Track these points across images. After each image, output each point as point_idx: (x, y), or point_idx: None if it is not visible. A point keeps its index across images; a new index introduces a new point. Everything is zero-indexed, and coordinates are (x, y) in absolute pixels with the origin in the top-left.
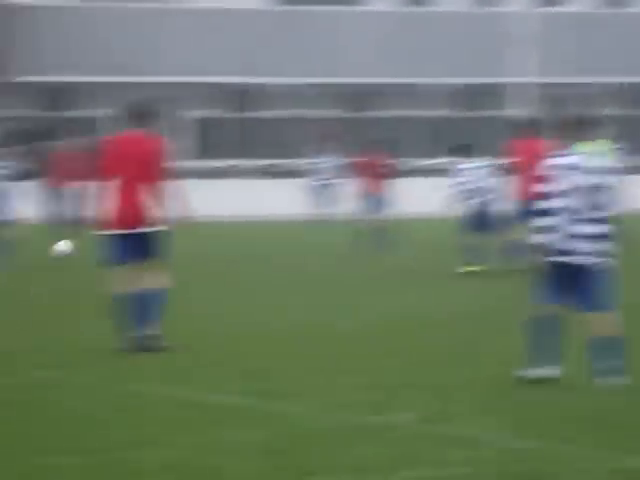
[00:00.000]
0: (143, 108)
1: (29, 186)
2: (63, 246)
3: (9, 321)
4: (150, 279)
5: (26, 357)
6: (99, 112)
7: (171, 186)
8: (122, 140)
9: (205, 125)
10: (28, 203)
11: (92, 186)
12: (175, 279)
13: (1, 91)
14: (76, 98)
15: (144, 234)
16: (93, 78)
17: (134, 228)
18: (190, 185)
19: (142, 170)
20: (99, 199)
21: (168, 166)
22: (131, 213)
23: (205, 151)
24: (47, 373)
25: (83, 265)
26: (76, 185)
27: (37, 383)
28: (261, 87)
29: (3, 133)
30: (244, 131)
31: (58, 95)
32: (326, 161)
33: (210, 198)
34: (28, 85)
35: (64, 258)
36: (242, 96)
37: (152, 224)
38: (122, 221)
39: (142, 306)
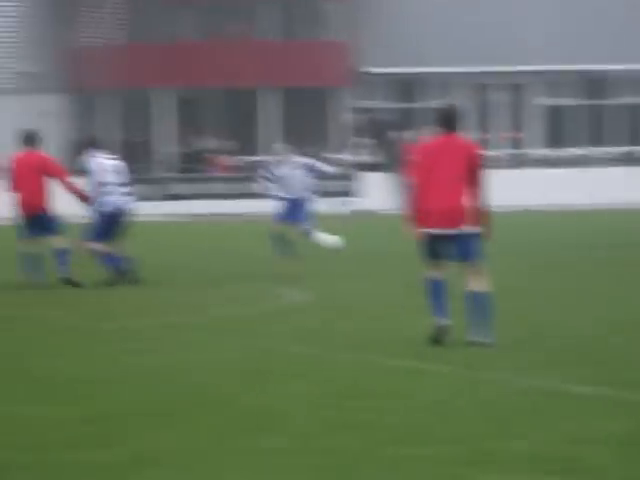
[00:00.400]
0: (451, 112)
1: (380, 177)
2: (333, 241)
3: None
4: (475, 282)
5: (381, 347)
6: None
7: (482, 186)
8: (436, 142)
9: (556, 113)
10: (381, 194)
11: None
12: (526, 268)
13: (358, 82)
14: (429, 89)
15: (460, 236)
16: (445, 69)
17: (450, 228)
18: (539, 174)
19: (456, 172)
20: (415, 196)
21: (480, 169)
22: (447, 213)
23: (556, 139)
24: (402, 362)
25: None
26: None
27: (391, 372)
28: (617, 74)
29: (359, 124)
30: (597, 118)
31: (411, 86)
32: None
33: (561, 187)
34: (383, 76)
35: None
36: (596, 83)
37: (468, 225)
38: (438, 221)
39: (473, 308)
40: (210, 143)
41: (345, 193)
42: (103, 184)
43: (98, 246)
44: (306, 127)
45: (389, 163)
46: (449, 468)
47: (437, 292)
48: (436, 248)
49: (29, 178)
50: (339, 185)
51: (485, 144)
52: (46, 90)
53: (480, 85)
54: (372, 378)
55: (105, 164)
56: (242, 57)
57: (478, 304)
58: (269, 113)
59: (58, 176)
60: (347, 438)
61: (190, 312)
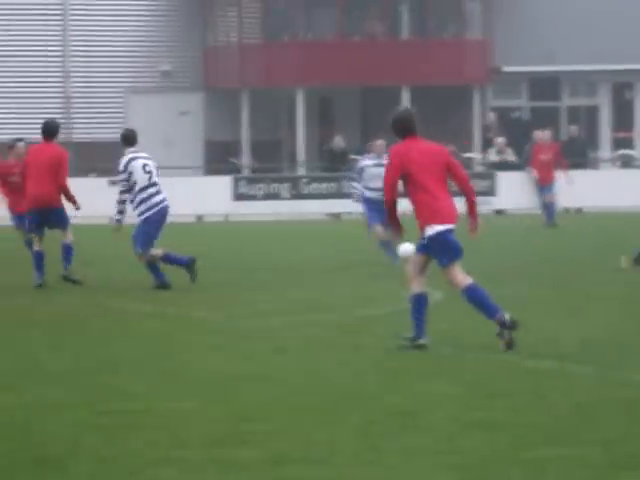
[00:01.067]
0: (412, 116)
1: (513, 177)
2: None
3: None
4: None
5: (520, 348)
6: (582, 101)
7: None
8: (412, 146)
9: None
10: (514, 194)
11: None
12: None
13: (496, 81)
14: (565, 87)
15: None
16: (582, 67)
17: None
18: None
19: (441, 173)
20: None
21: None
22: (452, 209)
23: None
24: (541, 363)
25: None
26: (550, 175)
27: (531, 373)
28: None
29: (490, 123)
30: None
31: (548, 85)
32: None
33: None
34: (519, 75)
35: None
36: None
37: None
38: (447, 216)
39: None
40: (344, 142)
41: (485, 192)
42: (145, 187)
43: (156, 251)
44: (444, 125)
45: (522, 162)
46: (596, 470)
47: (424, 305)
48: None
49: (44, 171)
50: (479, 185)
51: (625, 143)
52: (185, 89)
53: (618, 83)
54: (512, 379)
55: (147, 165)
56: (381, 56)
57: (479, 297)
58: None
59: (62, 176)
60: (490, 438)
61: (326, 311)
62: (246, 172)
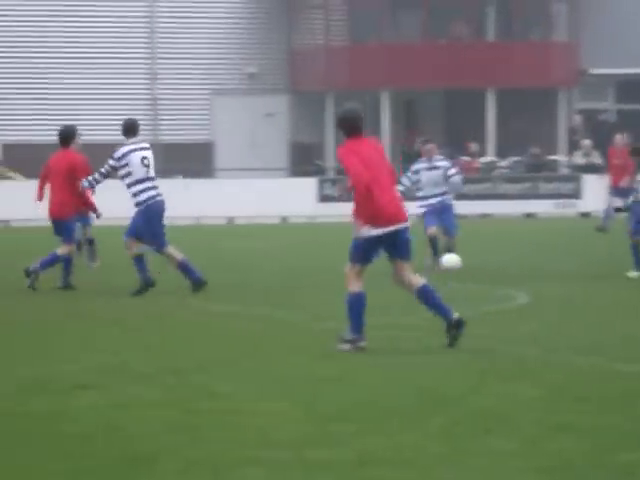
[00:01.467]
0: (359, 115)
1: (597, 179)
2: (451, 261)
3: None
4: (416, 277)
5: (608, 351)
6: None
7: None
8: (360, 143)
9: None
10: (596, 196)
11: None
12: None
13: (582, 83)
14: None
15: (401, 231)
16: None
17: (401, 224)
18: None
19: (388, 170)
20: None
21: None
22: (398, 209)
23: None
24: (631, 367)
25: None
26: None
27: (620, 376)
28: None
29: (576, 125)
30: None
31: (630, 86)
32: None
33: None
34: (606, 77)
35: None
36: None
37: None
38: (390, 218)
39: (429, 303)
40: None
41: (571, 195)
42: (142, 179)
43: (141, 247)
44: (529, 127)
45: (601, 166)
46: None
47: (363, 308)
48: (375, 250)
49: (58, 180)
50: (565, 187)
51: None
52: (270, 91)
53: None
54: (599, 381)
55: (146, 158)
56: (466, 57)
57: (431, 294)
58: (492, 113)
59: (79, 182)
60: (576, 441)
61: (410, 312)
62: (331, 174)
